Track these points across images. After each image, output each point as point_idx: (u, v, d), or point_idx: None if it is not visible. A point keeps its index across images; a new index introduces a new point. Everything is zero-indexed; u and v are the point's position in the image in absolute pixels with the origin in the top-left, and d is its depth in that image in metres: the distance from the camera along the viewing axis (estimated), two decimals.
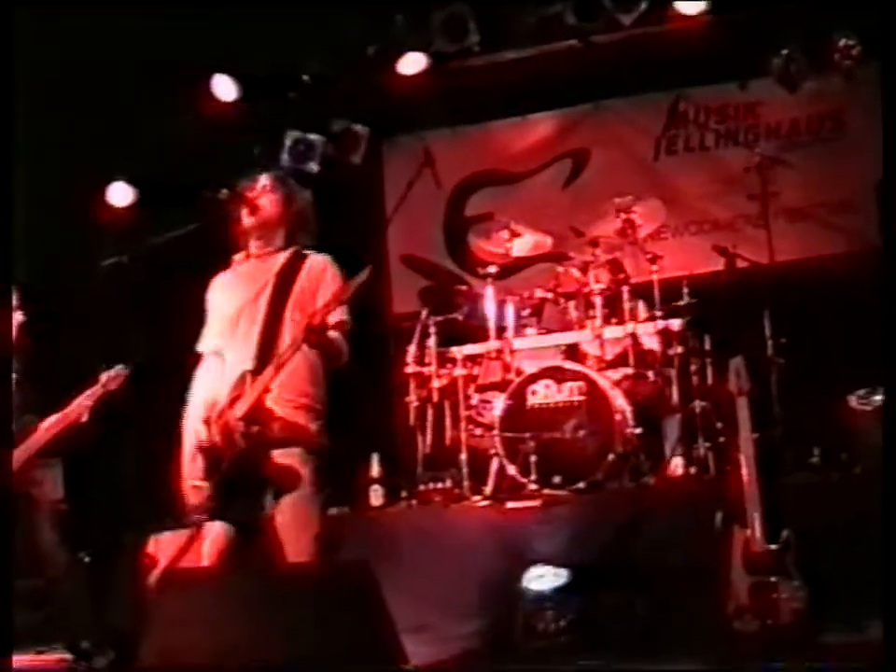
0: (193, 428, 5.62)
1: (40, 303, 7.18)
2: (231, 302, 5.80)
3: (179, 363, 6.07)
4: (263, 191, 5.82)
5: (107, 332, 8.92)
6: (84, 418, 6.87)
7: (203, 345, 5.87)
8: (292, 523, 5.55)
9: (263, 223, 5.80)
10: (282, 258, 5.78)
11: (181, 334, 6.14)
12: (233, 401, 5.48)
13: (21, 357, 7.04)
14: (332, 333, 5.55)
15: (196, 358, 5.90)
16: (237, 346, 5.69)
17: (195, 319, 5.95)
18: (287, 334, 5.55)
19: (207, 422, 5.51)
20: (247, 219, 5.80)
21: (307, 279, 5.68)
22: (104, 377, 6.90)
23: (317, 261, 5.76)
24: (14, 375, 6.94)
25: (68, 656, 6.84)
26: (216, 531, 5.61)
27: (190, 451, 5.61)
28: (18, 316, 7.00)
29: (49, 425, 6.87)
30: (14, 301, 7.01)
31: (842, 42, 8.85)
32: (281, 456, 5.53)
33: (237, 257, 5.90)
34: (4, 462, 6.36)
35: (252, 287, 5.75)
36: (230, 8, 8.85)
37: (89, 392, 6.88)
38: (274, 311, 5.62)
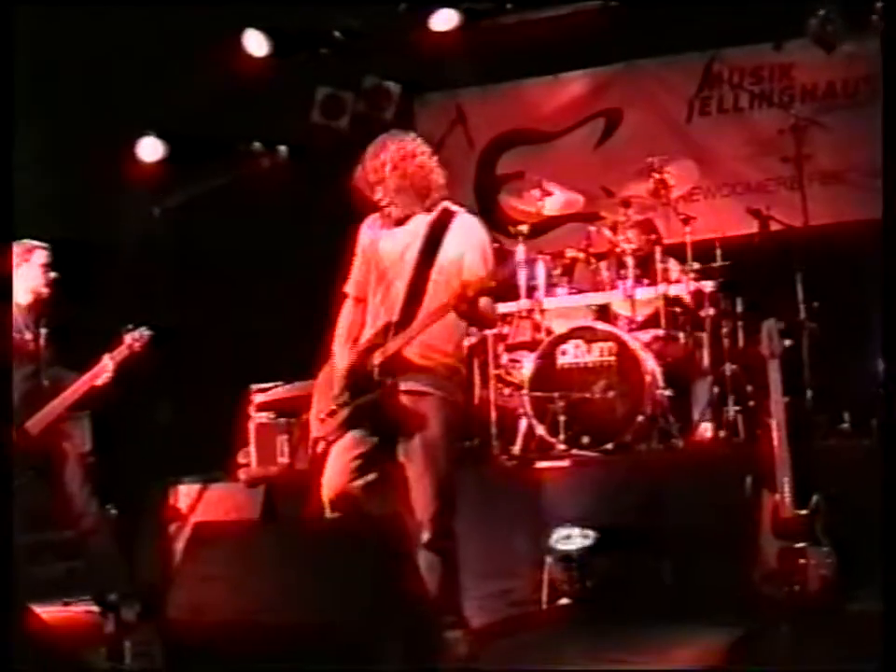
0: (330, 365, 5.80)
1: (71, 259, 7.20)
2: (379, 253, 5.83)
3: (210, 318, 6.10)
4: (385, 181, 5.74)
5: (138, 287, 8.93)
6: (107, 379, 6.95)
7: (349, 287, 5.95)
8: (419, 469, 5.63)
9: (402, 208, 5.79)
10: (431, 215, 5.79)
11: (213, 290, 6.15)
12: (373, 349, 5.63)
13: (52, 311, 7.07)
14: (483, 300, 5.61)
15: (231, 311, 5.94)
16: (382, 297, 5.76)
17: (228, 275, 5.97)
18: (432, 291, 5.63)
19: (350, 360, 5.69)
20: (385, 210, 5.80)
21: (454, 238, 5.70)
22: (128, 338, 7.00)
23: (466, 221, 5.80)
24: (44, 330, 6.98)
25: (95, 608, 6.87)
26: (345, 445, 5.69)
27: (323, 385, 5.79)
28: (49, 272, 7.04)
29: (76, 386, 6.93)
30: (46, 257, 7.05)
31: (880, 3, 8.72)
32: (416, 403, 5.63)
33: (386, 210, 5.86)
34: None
35: (402, 238, 5.78)
36: None
37: (113, 353, 6.97)
38: (423, 266, 5.67)
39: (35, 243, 7.06)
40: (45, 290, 7.05)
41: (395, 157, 5.75)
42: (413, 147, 5.84)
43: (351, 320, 5.87)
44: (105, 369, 6.98)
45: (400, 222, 5.80)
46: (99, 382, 6.98)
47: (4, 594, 5.01)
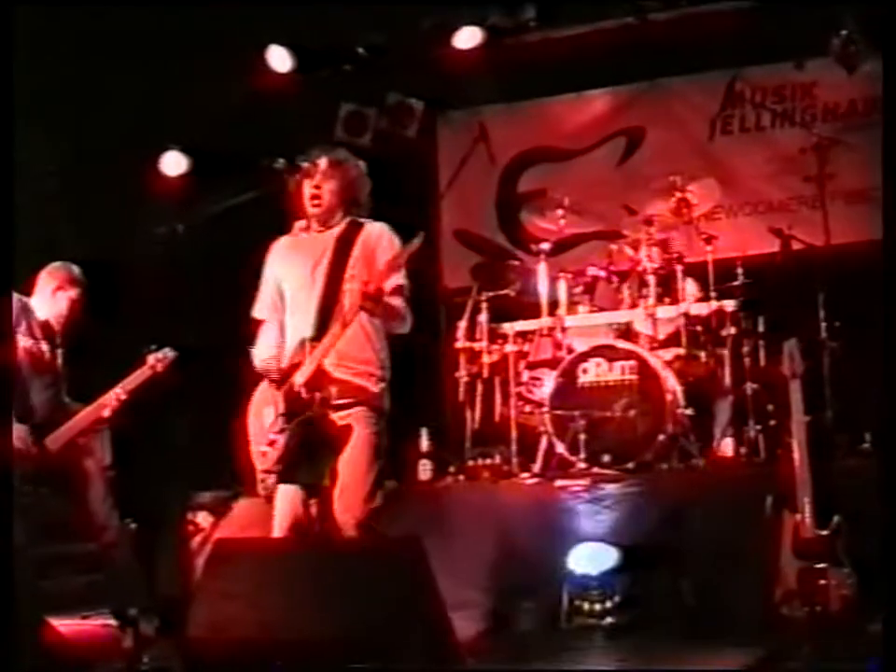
0: (258, 393, 5.77)
1: (96, 279, 7.22)
2: (290, 272, 5.90)
3: (233, 336, 6.12)
4: (324, 177, 5.84)
5: (161, 305, 8.94)
6: (111, 413, 6.95)
7: (259, 312, 5.98)
8: (345, 480, 5.61)
9: (326, 208, 5.87)
10: (338, 228, 5.86)
11: (236, 307, 6.17)
12: (294, 368, 5.63)
13: (75, 333, 7.10)
14: (393, 299, 5.66)
15: (249, 327, 5.96)
16: (297, 315, 5.80)
17: (250, 290, 6.00)
18: (346, 302, 5.59)
19: (273, 383, 5.67)
20: (311, 206, 5.85)
21: (364, 247, 5.77)
22: (151, 359, 7.00)
23: (374, 229, 5.86)
24: (60, 351, 7.01)
25: (113, 622, 6.88)
26: (288, 498, 5.69)
27: (255, 417, 5.75)
28: (77, 308, 7.06)
29: (83, 414, 6.92)
30: (79, 295, 7.07)
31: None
32: (342, 418, 5.63)
33: (298, 224, 5.95)
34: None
35: (310, 257, 5.84)
36: None
37: (124, 382, 6.96)
38: (333, 280, 5.72)
39: (78, 274, 7.08)
40: (63, 321, 7.07)
41: (336, 165, 5.85)
42: (352, 159, 5.97)
43: (269, 344, 5.88)
44: (109, 401, 6.96)
45: (319, 232, 5.86)
46: (105, 414, 6.97)
47: (8, 605, 5.02)
